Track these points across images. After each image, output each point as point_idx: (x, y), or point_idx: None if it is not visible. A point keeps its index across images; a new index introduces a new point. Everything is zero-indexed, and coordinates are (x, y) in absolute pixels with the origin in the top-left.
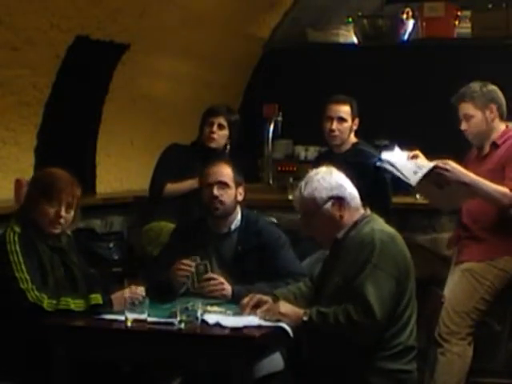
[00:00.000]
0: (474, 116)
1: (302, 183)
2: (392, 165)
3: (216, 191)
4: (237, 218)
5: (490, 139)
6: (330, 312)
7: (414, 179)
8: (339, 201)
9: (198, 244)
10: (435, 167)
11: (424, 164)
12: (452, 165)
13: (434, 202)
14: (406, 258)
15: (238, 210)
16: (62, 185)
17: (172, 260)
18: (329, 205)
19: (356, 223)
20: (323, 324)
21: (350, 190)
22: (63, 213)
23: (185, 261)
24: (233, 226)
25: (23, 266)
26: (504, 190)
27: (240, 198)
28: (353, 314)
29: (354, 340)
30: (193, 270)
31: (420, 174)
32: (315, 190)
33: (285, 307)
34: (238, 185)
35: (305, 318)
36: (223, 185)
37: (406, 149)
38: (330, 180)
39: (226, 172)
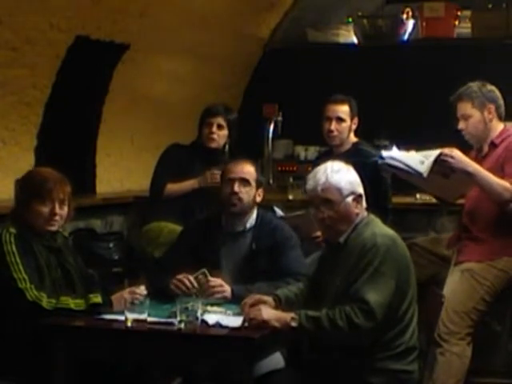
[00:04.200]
0: (471, 116)
1: (327, 169)
2: (396, 159)
3: (237, 187)
4: (252, 217)
5: (487, 140)
6: (321, 316)
7: (423, 169)
8: (358, 198)
9: (209, 244)
10: (441, 154)
11: (429, 153)
12: (457, 153)
13: (439, 193)
14: (407, 260)
15: (255, 209)
16: (52, 184)
17: (179, 262)
18: (350, 199)
19: (356, 226)
20: (317, 329)
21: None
22: (57, 210)
23: (185, 279)
24: (248, 225)
25: (21, 267)
26: (506, 184)
27: (259, 199)
28: (353, 317)
29: (351, 342)
30: (194, 289)
31: (428, 163)
32: (342, 181)
33: (267, 314)
34: (258, 185)
35: (294, 324)
36: (245, 182)
37: (403, 149)
38: (354, 175)
39: (249, 170)
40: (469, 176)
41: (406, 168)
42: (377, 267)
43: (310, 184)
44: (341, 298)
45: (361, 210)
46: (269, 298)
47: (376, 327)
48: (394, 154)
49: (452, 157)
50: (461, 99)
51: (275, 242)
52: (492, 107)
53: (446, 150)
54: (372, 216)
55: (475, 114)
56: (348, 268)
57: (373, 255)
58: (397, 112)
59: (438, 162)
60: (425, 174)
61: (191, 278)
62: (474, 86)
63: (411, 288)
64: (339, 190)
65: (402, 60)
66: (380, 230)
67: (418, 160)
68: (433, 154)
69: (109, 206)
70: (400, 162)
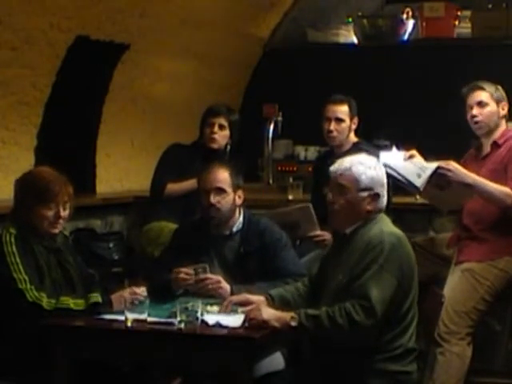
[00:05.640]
0: (488, 104)
1: (355, 159)
2: (393, 169)
3: (213, 198)
4: (239, 220)
5: (491, 137)
6: (321, 314)
7: (419, 182)
8: (374, 197)
9: (200, 246)
10: (438, 168)
11: (426, 165)
12: (455, 165)
13: (436, 203)
14: (412, 261)
15: (239, 212)
16: (57, 187)
17: (173, 262)
18: (365, 194)
19: (365, 221)
20: (318, 328)
21: (385, 194)
22: (62, 213)
23: (183, 269)
24: (235, 228)
25: (21, 267)
26: (507, 190)
27: (239, 201)
28: (354, 314)
29: (352, 341)
30: (192, 280)
31: (425, 177)
32: (364, 174)
33: (267, 313)
34: (236, 189)
35: (293, 324)
36: (220, 191)
37: (403, 148)
38: (379, 174)
39: (222, 177)
40: (468, 187)
41: (403, 179)
42: (381, 264)
43: (334, 166)
44: (342, 292)
45: (374, 209)
46: (260, 298)
47: (376, 325)
48: (392, 163)
49: (449, 170)
50: (481, 88)
51: (265, 244)
52: (506, 105)
53: (443, 164)
54: (383, 215)
55: (492, 105)
56: (351, 263)
57: (378, 252)
58: (397, 112)
59: (436, 175)
60: (421, 188)
61: (190, 271)
62: (489, 83)
63: (413, 289)
64: (356, 181)
65: (402, 60)
66: (388, 228)
67: (415, 173)
68: (429, 167)
69: (109, 206)
70: (397, 172)
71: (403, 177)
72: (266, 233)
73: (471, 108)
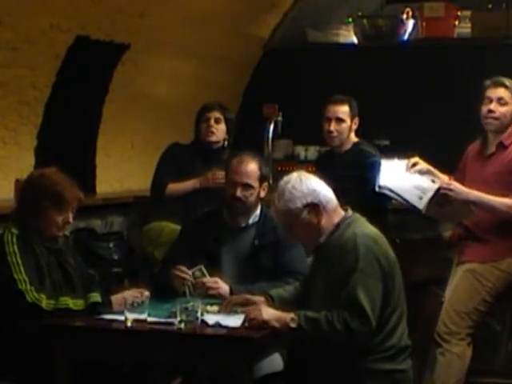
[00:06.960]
0: (508, 104)
1: (276, 196)
2: (395, 193)
3: (239, 192)
4: (255, 213)
5: (499, 135)
6: (320, 318)
7: (421, 204)
8: (315, 207)
9: (211, 238)
10: (440, 188)
11: (427, 187)
12: (456, 184)
13: (436, 217)
14: (390, 259)
15: (258, 204)
16: (71, 194)
17: (182, 258)
18: (305, 213)
19: (338, 225)
20: (316, 331)
21: (325, 193)
22: (70, 219)
23: (181, 267)
24: (251, 221)
25: (21, 267)
26: (508, 202)
27: (263, 194)
28: (349, 321)
29: (350, 343)
30: (190, 278)
31: (426, 199)
32: (289, 202)
33: (268, 314)
34: (262, 181)
35: (293, 325)
36: (248, 187)
37: (404, 156)
38: (302, 187)
39: (251, 173)
40: (471, 203)
41: (405, 202)
42: (362, 269)
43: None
44: (326, 300)
45: (322, 217)
46: (260, 298)
47: (371, 330)
48: (394, 187)
49: (451, 190)
50: (504, 85)
51: (277, 240)
52: None
53: (445, 184)
54: (356, 215)
55: (510, 105)
56: (329, 270)
57: (354, 257)
58: (397, 112)
59: (438, 195)
60: (423, 211)
61: (189, 272)
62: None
63: (396, 287)
64: (289, 210)
65: (402, 60)
66: (362, 229)
67: (416, 195)
68: (431, 188)
69: (109, 206)
70: (399, 196)
71: (405, 200)
72: (279, 228)
73: (490, 101)
